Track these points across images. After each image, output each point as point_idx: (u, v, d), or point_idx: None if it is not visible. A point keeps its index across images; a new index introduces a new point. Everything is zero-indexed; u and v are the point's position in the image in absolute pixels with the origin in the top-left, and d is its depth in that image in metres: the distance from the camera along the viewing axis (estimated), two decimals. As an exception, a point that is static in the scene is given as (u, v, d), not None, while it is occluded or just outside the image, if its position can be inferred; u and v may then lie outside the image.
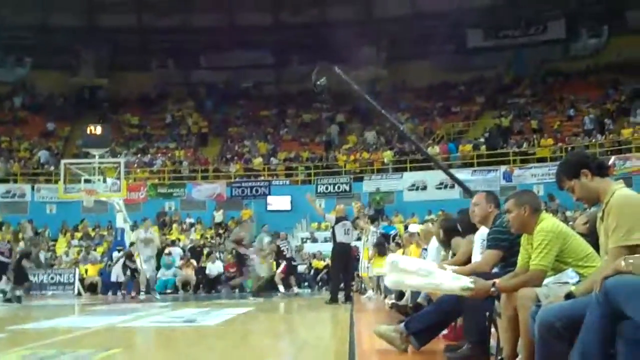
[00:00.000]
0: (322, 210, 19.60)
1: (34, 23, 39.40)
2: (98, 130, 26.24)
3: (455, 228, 7.90)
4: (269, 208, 31.18)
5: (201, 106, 41.06)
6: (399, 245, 16.75)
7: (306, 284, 24.33)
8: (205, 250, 25.93)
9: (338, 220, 15.67)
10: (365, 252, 18.29)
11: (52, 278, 24.24)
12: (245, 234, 19.69)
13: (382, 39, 40.09)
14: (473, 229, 7.08)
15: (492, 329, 5.65)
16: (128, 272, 20.72)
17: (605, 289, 3.30)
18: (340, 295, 15.27)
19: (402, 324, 6.38)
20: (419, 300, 8.17)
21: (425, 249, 9.75)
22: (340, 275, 16.06)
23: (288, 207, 30.93)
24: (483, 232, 6.39)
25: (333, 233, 15.80)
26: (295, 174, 33.49)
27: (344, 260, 15.80)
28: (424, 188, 30.49)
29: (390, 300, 11.59)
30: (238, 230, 20.32)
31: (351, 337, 7.85)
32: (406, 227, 21.52)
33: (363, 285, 19.49)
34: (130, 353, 7.36)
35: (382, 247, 17.11)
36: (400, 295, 10.06)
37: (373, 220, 25.14)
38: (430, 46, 38.81)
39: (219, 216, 31.31)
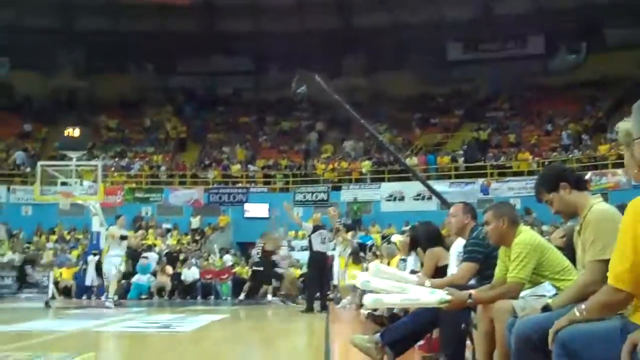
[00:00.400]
0: (300, 218, 19.63)
1: (8, 23, 39.02)
2: (76, 132, 26.05)
3: (418, 239, 7.99)
4: (246, 215, 31.11)
5: (180, 111, 40.94)
6: (375, 255, 16.76)
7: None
8: (182, 256, 25.83)
9: (315, 229, 15.69)
10: (341, 261, 18.31)
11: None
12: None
13: (362, 49, 40.16)
14: (435, 242, 7.18)
15: (468, 341, 5.67)
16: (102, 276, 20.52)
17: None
18: (316, 305, 15.25)
19: (378, 335, 6.38)
20: (395, 310, 8.19)
21: (404, 260, 9.79)
22: (317, 284, 16.07)
23: (266, 215, 30.87)
24: (459, 244, 6.43)
25: (310, 242, 15.81)
26: (273, 181, 33.47)
27: (320, 268, 15.82)
28: (402, 199, 30.56)
29: (366, 310, 11.60)
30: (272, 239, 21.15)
31: (327, 347, 7.84)
32: (383, 237, 21.60)
33: (338, 295, 19.48)
34: (103, 357, 7.31)
35: (357, 256, 17.17)
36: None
37: (349, 229, 25.18)
38: (409, 57, 38.93)
39: (195, 222, 31.19)
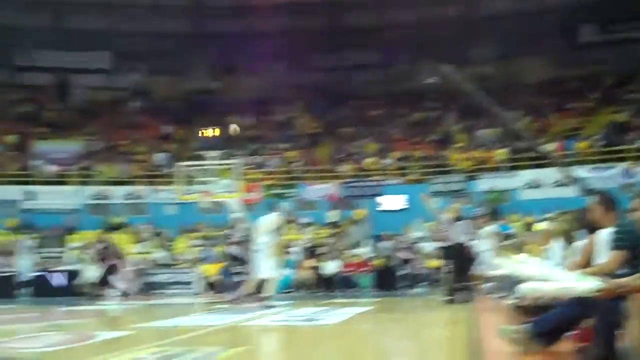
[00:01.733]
0: (436, 208, 19.52)
1: (147, 29, 40.74)
2: (212, 132, 26.87)
3: (578, 225, 7.82)
4: (381, 208, 31.20)
5: (311, 107, 41.41)
6: (515, 245, 16.54)
7: (423, 283, 24.21)
8: (321, 250, 26.21)
9: (453, 219, 15.62)
10: (484, 251, 18.16)
11: (171, 278, 24.97)
12: None
13: (493, 36, 39.48)
14: (590, 230, 7.01)
15: (621, 330, 5.57)
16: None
17: None
18: (459, 295, 15.18)
19: (527, 325, 6.34)
20: (543, 300, 8.08)
21: (548, 249, 9.63)
22: (459, 275, 15.99)
23: (401, 207, 30.88)
24: (606, 233, 6.31)
25: (448, 233, 15.75)
26: (407, 173, 33.38)
27: (462, 259, 15.74)
28: (540, 186, 29.94)
29: (512, 300, 11.49)
30: None
31: (473, 338, 7.83)
32: (525, 226, 21.27)
33: (480, 285, 19.31)
34: (254, 351, 7.55)
35: (503, 245, 16.98)
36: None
37: (489, 219, 24.85)
38: (541, 42, 38.01)
39: (332, 216, 31.56)
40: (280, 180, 33.89)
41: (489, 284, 18.02)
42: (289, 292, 22.94)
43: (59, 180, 33.51)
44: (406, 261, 24.88)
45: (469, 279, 17.95)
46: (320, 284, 24.26)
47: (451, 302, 14.77)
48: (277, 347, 8.18)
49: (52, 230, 30.84)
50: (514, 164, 31.32)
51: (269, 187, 32.90)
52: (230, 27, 41.32)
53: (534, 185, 30.12)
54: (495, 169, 31.81)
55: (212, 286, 25.04)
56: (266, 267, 15.01)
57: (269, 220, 15.98)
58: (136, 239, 30.19)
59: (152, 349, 6.86)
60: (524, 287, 5.20)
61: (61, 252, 28.23)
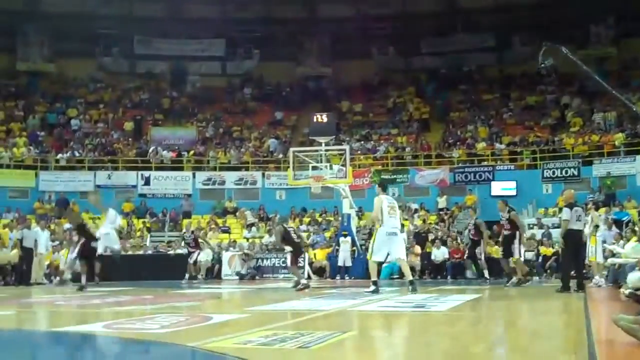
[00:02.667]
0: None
1: (259, 16, 41.31)
2: (324, 118, 26.99)
3: None
4: (493, 193, 30.70)
5: (422, 92, 41.12)
6: (634, 232, 16.03)
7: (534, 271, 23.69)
8: (430, 236, 26.02)
9: (569, 206, 15.20)
10: (592, 239, 17.68)
11: (283, 262, 25.25)
12: None
13: (610, 16, 38.21)
14: None
15: None
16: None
17: None
18: (572, 284, 14.79)
19: (644, 315, 6.11)
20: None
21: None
22: (572, 262, 15.59)
23: (513, 193, 30.31)
24: None
25: (563, 219, 15.33)
26: (520, 158, 32.75)
27: (575, 247, 15.32)
28: (659, 172, 28.89)
29: (626, 290, 11.11)
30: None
31: (587, 327, 7.61)
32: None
33: (590, 272, 18.82)
34: (365, 336, 7.54)
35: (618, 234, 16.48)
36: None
37: (604, 205, 24.14)
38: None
39: (442, 202, 31.30)
40: (390, 166, 33.79)
41: (604, 272, 17.55)
42: (396, 278, 22.92)
43: (174, 165, 34.43)
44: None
45: (583, 267, 17.51)
46: (430, 271, 24.08)
47: (566, 289, 14.39)
48: (387, 332, 8.13)
49: (167, 215, 31.77)
50: (632, 149, 30.24)
51: (379, 172, 32.83)
52: (342, 12, 41.43)
53: (653, 171, 29.04)
54: (612, 154, 30.82)
55: (320, 271, 25.27)
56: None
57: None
58: (247, 223, 30.72)
59: (264, 332, 6.93)
60: (632, 276, 4.99)
61: (177, 236, 28.96)
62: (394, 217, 15.03)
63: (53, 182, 32.97)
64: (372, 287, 14.42)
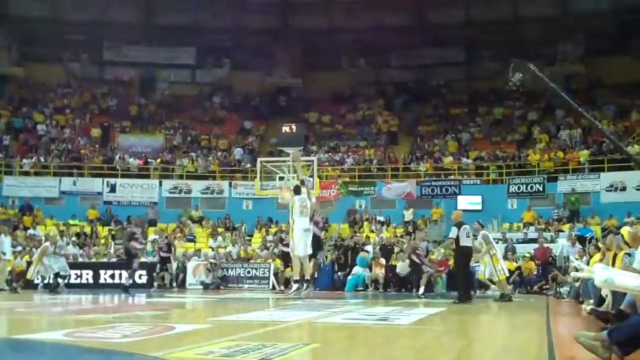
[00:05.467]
0: None
1: (230, 25, 41.27)
2: (292, 128, 26.90)
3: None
4: (460, 207, 30.79)
5: (391, 105, 41.27)
6: (597, 249, 16.16)
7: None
8: (396, 249, 26.04)
9: (457, 225, 15.93)
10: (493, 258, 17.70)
11: (248, 272, 25.19)
12: None
13: (578, 34, 38.65)
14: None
15: None
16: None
17: None
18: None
19: (605, 332, 6.15)
20: (622, 307, 7.86)
21: (628, 254, 9.35)
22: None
23: (479, 207, 30.50)
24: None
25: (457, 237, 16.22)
26: (486, 173, 32.99)
27: (466, 261, 16.78)
28: (624, 189, 29.18)
29: (588, 306, 11.22)
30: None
31: (549, 343, 7.66)
32: (604, 230, 20.77)
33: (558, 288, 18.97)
34: (328, 348, 7.52)
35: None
36: (600, 301, 9.72)
37: (568, 221, 24.33)
38: (629, 41, 37.02)
39: (408, 215, 31.38)
40: (357, 178, 33.85)
41: (568, 288, 17.70)
42: (360, 290, 22.92)
43: (140, 173, 34.19)
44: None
45: (547, 282, 17.68)
46: (395, 283, 24.09)
47: (466, 300, 15.35)
48: (351, 345, 8.13)
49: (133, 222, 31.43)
50: (596, 166, 30.61)
51: (346, 184, 32.89)
52: (313, 23, 41.50)
53: (617, 188, 29.35)
54: (577, 171, 31.17)
55: (287, 282, 25.14)
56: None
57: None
58: (213, 232, 30.58)
59: (227, 342, 6.90)
60: (598, 277, 5.03)
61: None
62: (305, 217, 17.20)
63: (17, 187, 32.60)
64: (296, 286, 14.83)
